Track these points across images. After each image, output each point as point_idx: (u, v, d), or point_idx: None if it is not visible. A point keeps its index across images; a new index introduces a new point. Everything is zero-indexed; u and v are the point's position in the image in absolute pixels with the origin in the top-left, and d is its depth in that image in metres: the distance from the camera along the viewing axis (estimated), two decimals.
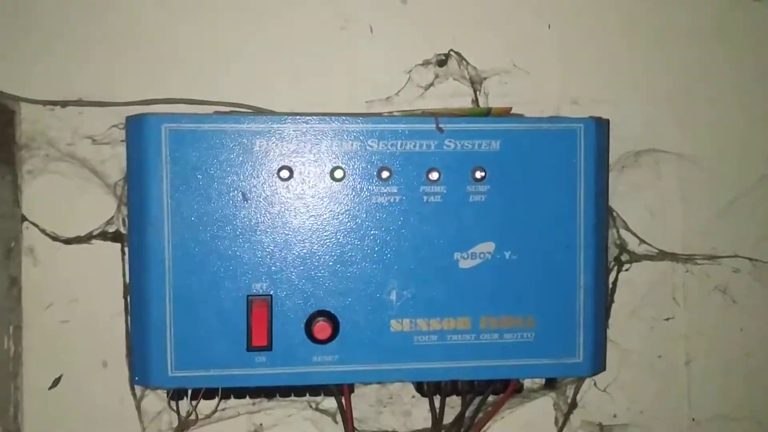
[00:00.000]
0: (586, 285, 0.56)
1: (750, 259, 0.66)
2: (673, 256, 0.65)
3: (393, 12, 0.65)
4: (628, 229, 0.65)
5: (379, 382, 0.60)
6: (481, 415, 0.59)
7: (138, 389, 0.59)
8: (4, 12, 0.61)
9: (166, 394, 0.57)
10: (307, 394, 0.59)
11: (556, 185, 0.55)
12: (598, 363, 0.57)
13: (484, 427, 0.60)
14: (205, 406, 0.59)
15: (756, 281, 0.67)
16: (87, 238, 0.60)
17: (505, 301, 0.55)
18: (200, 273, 0.53)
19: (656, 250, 0.65)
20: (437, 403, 0.58)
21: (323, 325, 0.53)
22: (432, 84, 0.66)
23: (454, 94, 0.66)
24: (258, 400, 0.59)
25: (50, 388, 0.62)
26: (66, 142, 0.60)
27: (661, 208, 0.66)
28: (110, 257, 0.61)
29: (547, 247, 0.55)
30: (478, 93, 0.66)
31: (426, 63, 0.65)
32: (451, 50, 0.65)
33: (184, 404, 0.57)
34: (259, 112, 0.62)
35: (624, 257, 0.65)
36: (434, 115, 0.56)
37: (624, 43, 0.66)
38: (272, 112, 0.62)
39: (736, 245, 0.66)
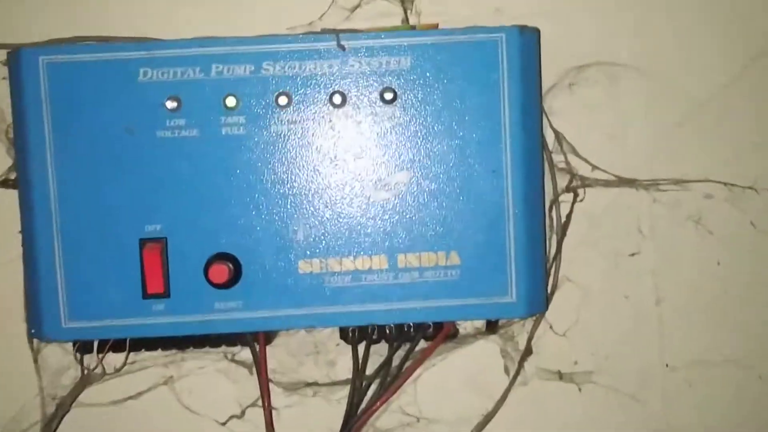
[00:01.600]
0: (517, 214, 0.50)
1: (725, 184, 0.59)
2: (634, 183, 0.58)
3: None
4: (577, 154, 0.58)
5: (289, 329, 0.55)
6: (409, 363, 0.53)
7: (37, 342, 0.56)
8: None
9: (72, 347, 0.53)
10: (224, 345, 0.54)
11: (477, 105, 0.49)
12: (536, 303, 0.51)
13: (413, 376, 0.55)
14: (116, 359, 0.55)
15: (733, 208, 0.59)
16: None
17: (425, 236, 0.50)
18: (89, 216, 0.49)
19: (614, 177, 0.58)
20: (361, 351, 0.53)
21: (219, 267, 0.48)
22: (359, 5, 0.60)
23: (382, 15, 0.60)
24: (171, 352, 0.55)
25: None
26: None
27: (619, 129, 0.58)
28: (7, 204, 0.57)
29: (470, 174, 0.49)
30: (408, 12, 0.59)
31: None
32: None
33: (93, 358, 0.54)
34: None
35: (576, 183, 0.58)
36: (335, 31, 0.50)
37: None
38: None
39: (707, 168, 0.59)
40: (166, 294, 0.49)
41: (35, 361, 0.55)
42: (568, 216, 0.59)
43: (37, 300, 0.50)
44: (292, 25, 0.60)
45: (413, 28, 0.55)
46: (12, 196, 0.57)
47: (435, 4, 0.59)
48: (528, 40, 0.50)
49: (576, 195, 0.59)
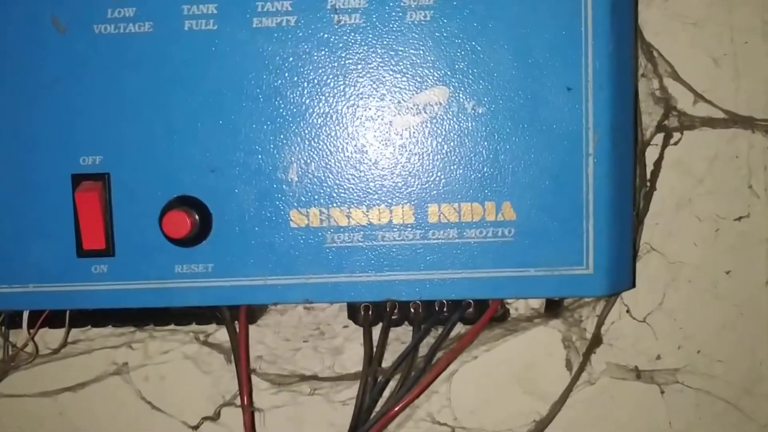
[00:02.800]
0: (599, 153, 0.35)
1: None
2: (748, 122, 0.43)
3: None
4: (678, 78, 0.43)
5: (277, 304, 0.41)
6: (440, 354, 0.39)
7: None
8: None
9: None
10: (194, 323, 0.41)
11: None
12: (620, 276, 0.37)
13: (447, 371, 0.41)
14: (53, 337, 0.42)
15: None
16: None
17: (467, 180, 0.35)
18: (4, 141, 0.36)
19: (722, 112, 0.43)
20: (376, 336, 0.39)
21: (178, 216, 0.34)
22: None
23: None
24: (126, 329, 0.42)
25: None
26: None
27: (730, 49, 0.43)
28: None
29: (534, 92, 0.35)
30: None
31: None
32: None
33: (22, 334, 0.40)
34: None
35: (671, 122, 0.43)
36: None
37: None
38: None
39: None
40: (108, 251, 0.36)
41: None
42: (657, 163, 0.44)
43: None
44: None
45: None
46: None
47: None
48: None
49: (669, 135, 0.44)
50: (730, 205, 0.45)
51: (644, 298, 0.45)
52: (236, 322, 0.39)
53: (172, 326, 0.42)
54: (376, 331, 0.40)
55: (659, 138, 0.44)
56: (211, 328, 0.43)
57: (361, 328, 0.40)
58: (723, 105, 0.43)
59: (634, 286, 0.41)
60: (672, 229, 0.45)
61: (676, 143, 0.44)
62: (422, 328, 0.39)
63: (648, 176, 0.44)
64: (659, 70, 0.43)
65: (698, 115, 0.43)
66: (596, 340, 0.45)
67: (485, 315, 0.39)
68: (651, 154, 0.44)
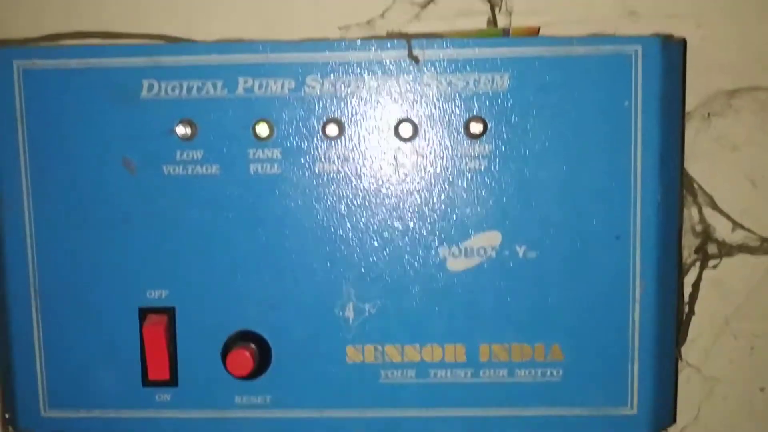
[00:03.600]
0: (645, 296, 0.36)
1: None
2: None
3: None
4: (715, 207, 0.44)
5: None
6: None
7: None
8: None
9: None
10: None
11: (597, 143, 0.36)
12: (663, 414, 0.38)
13: None
14: None
15: None
16: None
17: (518, 321, 0.37)
18: (76, 274, 0.38)
19: (758, 238, 0.44)
20: None
21: (240, 355, 0.36)
22: (432, 0, 0.46)
23: (462, 13, 0.46)
24: None
25: None
26: None
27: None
28: None
29: (583, 239, 0.36)
30: (497, 10, 0.46)
31: None
32: None
33: None
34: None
35: (710, 249, 0.44)
36: (406, 36, 0.38)
37: None
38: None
39: None
40: (172, 381, 0.38)
41: None
42: (695, 285, 0.45)
43: (11, 381, 0.38)
44: (345, 23, 0.47)
45: (506, 33, 0.42)
46: None
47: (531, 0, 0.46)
48: (671, 54, 0.36)
49: (706, 260, 0.45)
50: (764, 325, 0.46)
51: (680, 412, 0.46)
52: None
53: None
54: None
55: (697, 264, 0.45)
56: None
57: None
58: (761, 231, 0.45)
59: (674, 421, 0.42)
60: (709, 347, 0.46)
61: (714, 267, 0.45)
62: None
63: (687, 299, 0.45)
64: (698, 200, 0.44)
65: (736, 242, 0.45)
66: None
67: None
68: (689, 278, 0.45)
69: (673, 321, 0.39)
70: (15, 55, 0.37)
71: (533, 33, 0.43)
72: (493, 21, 0.46)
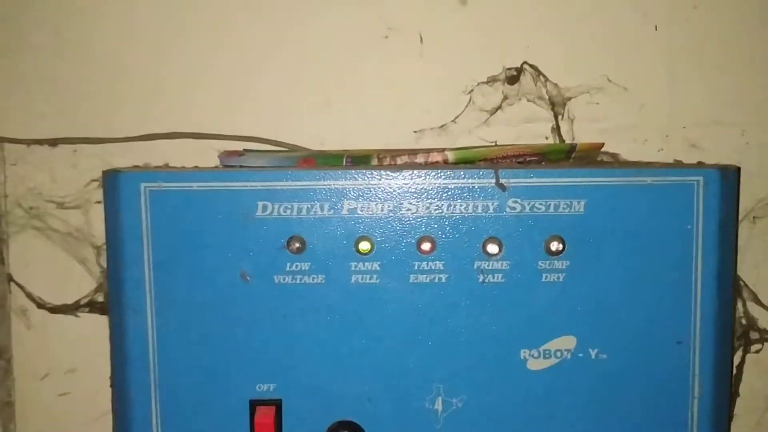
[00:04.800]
0: (703, 396, 0.41)
1: None
2: None
3: (449, 15, 0.51)
4: (759, 302, 0.49)
5: None
6: None
7: None
8: None
9: None
10: None
11: (662, 260, 0.40)
12: None
13: None
14: None
15: None
16: (74, 308, 0.50)
17: (591, 416, 0.41)
18: (192, 371, 0.42)
19: None
20: None
21: None
22: (500, 107, 0.51)
23: (527, 119, 0.51)
24: None
25: None
26: (57, 200, 0.50)
27: None
28: (101, 329, 0.51)
29: (649, 344, 0.41)
30: (559, 118, 0.51)
31: (492, 80, 0.51)
32: (525, 63, 0.51)
33: None
34: (278, 149, 0.50)
35: (753, 335, 0.49)
36: (500, 158, 0.42)
37: (756, 46, 0.49)
38: (295, 149, 0.50)
39: None
40: None
41: None
42: (739, 368, 0.50)
43: None
44: (420, 127, 0.52)
45: (573, 147, 0.47)
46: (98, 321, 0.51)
47: (591, 106, 0.51)
48: (728, 182, 0.41)
49: (749, 345, 0.50)
50: None
51: None
52: None
53: None
54: None
55: (740, 349, 0.50)
56: None
57: None
58: None
59: None
60: (751, 423, 0.50)
61: (757, 352, 0.50)
62: None
63: (733, 381, 0.50)
64: (743, 295, 0.49)
65: None
66: None
67: None
68: (734, 361, 0.50)
69: (726, 414, 0.43)
70: (143, 178, 0.41)
71: (598, 148, 0.47)
72: (556, 127, 0.50)
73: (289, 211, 0.41)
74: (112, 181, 0.42)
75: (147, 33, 0.51)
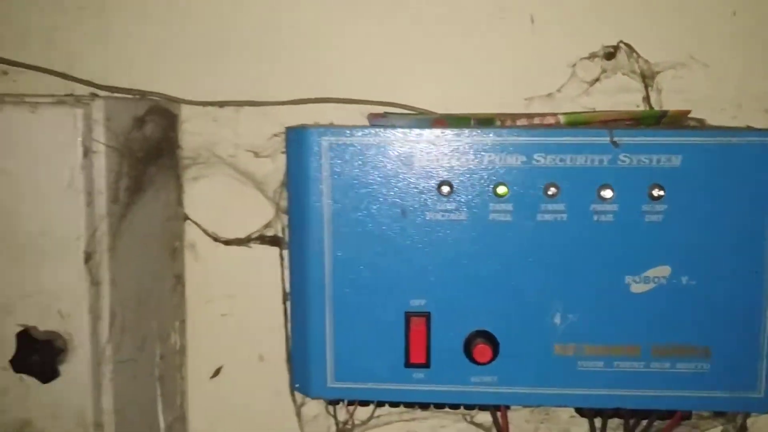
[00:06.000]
0: None
1: None
2: None
3: (557, 0, 0.60)
4: None
5: (538, 406, 0.58)
6: None
7: (298, 395, 0.60)
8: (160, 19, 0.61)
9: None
10: (462, 407, 0.58)
11: (742, 206, 0.50)
12: None
13: None
14: (361, 411, 0.59)
15: None
16: (246, 241, 0.61)
17: (680, 330, 0.52)
18: (359, 287, 0.53)
19: None
20: (598, 424, 0.56)
21: (484, 348, 0.51)
22: (598, 79, 0.61)
23: (622, 90, 0.61)
24: (412, 409, 0.59)
25: (211, 377, 0.65)
26: (228, 153, 0.61)
27: None
28: (267, 259, 0.62)
29: (730, 273, 0.51)
30: (649, 89, 0.60)
31: (592, 56, 0.61)
32: (621, 42, 0.60)
33: (340, 409, 0.58)
34: (415, 114, 0.60)
35: None
36: (604, 121, 0.52)
37: None
38: (425, 112, 0.60)
39: None
40: (427, 364, 0.53)
41: (297, 414, 0.60)
42: None
43: (306, 359, 0.54)
44: (529, 95, 0.61)
45: (665, 113, 0.56)
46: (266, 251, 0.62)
47: (677, 79, 0.60)
48: None
49: None
50: None
51: None
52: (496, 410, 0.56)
53: (446, 409, 0.59)
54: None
55: None
56: (474, 411, 0.60)
57: (584, 419, 0.57)
58: None
59: None
60: None
61: None
62: (630, 422, 0.56)
63: None
64: None
65: None
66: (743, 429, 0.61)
67: (677, 415, 0.55)
68: None
69: None
70: (323, 133, 0.52)
71: (685, 114, 0.57)
72: (647, 97, 0.60)
73: (441, 162, 0.51)
74: (295, 135, 0.53)
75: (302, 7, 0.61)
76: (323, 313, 0.53)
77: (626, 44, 0.60)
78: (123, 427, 0.52)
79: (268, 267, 0.61)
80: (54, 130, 0.47)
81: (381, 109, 0.61)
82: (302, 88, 0.61)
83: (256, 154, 0.60)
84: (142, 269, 0.55)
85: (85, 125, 0.47)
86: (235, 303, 0.64)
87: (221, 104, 0.62)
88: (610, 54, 0.60)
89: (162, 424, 0.59)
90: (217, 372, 0.65)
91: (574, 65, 0.61)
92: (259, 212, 0.61)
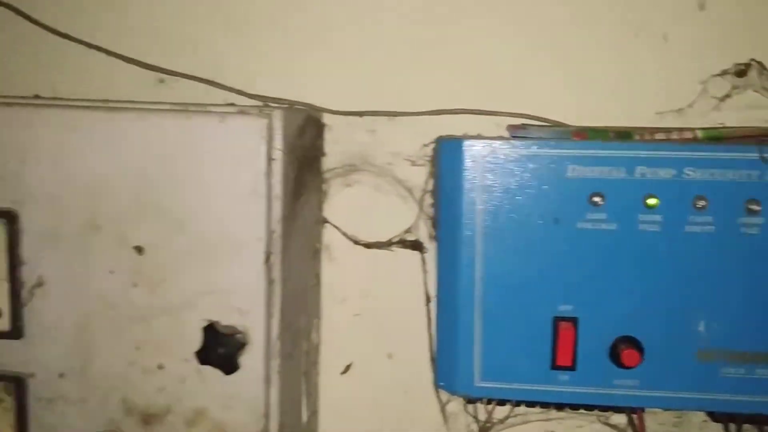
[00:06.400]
0: None
1: None
2: None
3: (689, 19, 0.63)
4: None
5: (679, 410, 0.60)
6: None
7: (443, 394, 0.63)
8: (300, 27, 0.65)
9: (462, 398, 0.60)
10: (597, 409, 0.60)
11: None
12: None
13: None
14: (497, 411, 0.62)
15: None
16: (387, 244, 0.64)
17: None
18: (509, 291, 0.55)
19: None
20: (732, 430, 0.58)
21: (632, 353, 0.54)
22: (728, 95, 0.63)
23: (752, 106, 0.63)
24: (547, 409, 0.61)
25: (342, 373, 0.68)
26: (379, 161, 0.64)
27: None
28: (404, 262, 0.65)
29: None
30: None
31: (723, 73, 0.63)
32: (752, 59, 0.62)
33: (478, 408, 0.60)
34: (552, 126, 0.62)
35: None
36: (742, 137, 0.54)
37: None
38: (560, 124, 0.62)
39: None
40: (572, 367, 0.55)
41: (442, 411, 0.63)
42: None
43: (454, 359, 0.57)
44: (660, 110, 0.64)
45: None
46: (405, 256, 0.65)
47: None
48: None
49: None
50: None
51: None
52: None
53: (581, 410, 0.61)
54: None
55: None
56: (608, 413, 0.62)
57: (717, 423, 0.59)
58: None
59: None
60: None
61: None
62: (765, 429, 0.58)
63: None
64: None
65: None
66: None
67: None
68: None
69: None
70: (476, 144, 0.55)
71: None
72: None
73: (593, 173, 0.54)
74: (448, 146, 0.56)
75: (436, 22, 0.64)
76: (472, 315, 0.56)
77: (758, 62, 0.62)
78: (284, 418, 0.55)
79: (406, 269, 0.64)
80: (241, 138, 0.50)
81: (516, 121, 0.63)
82: (437, 99, 0.64)
83: (413, 163, 0.63)
84: (299, 269, 0.58)
85: (268, 134, 0.51)
86: (368, 303, 0.67)
87: (360, 114, 0.65)
88: (741, 71, 0.62)
89: (304, 418, 0.62)
90: (347, 368, 0.68)
91: (704, 82, 0.63)
92: (400, 217, 0.64)
